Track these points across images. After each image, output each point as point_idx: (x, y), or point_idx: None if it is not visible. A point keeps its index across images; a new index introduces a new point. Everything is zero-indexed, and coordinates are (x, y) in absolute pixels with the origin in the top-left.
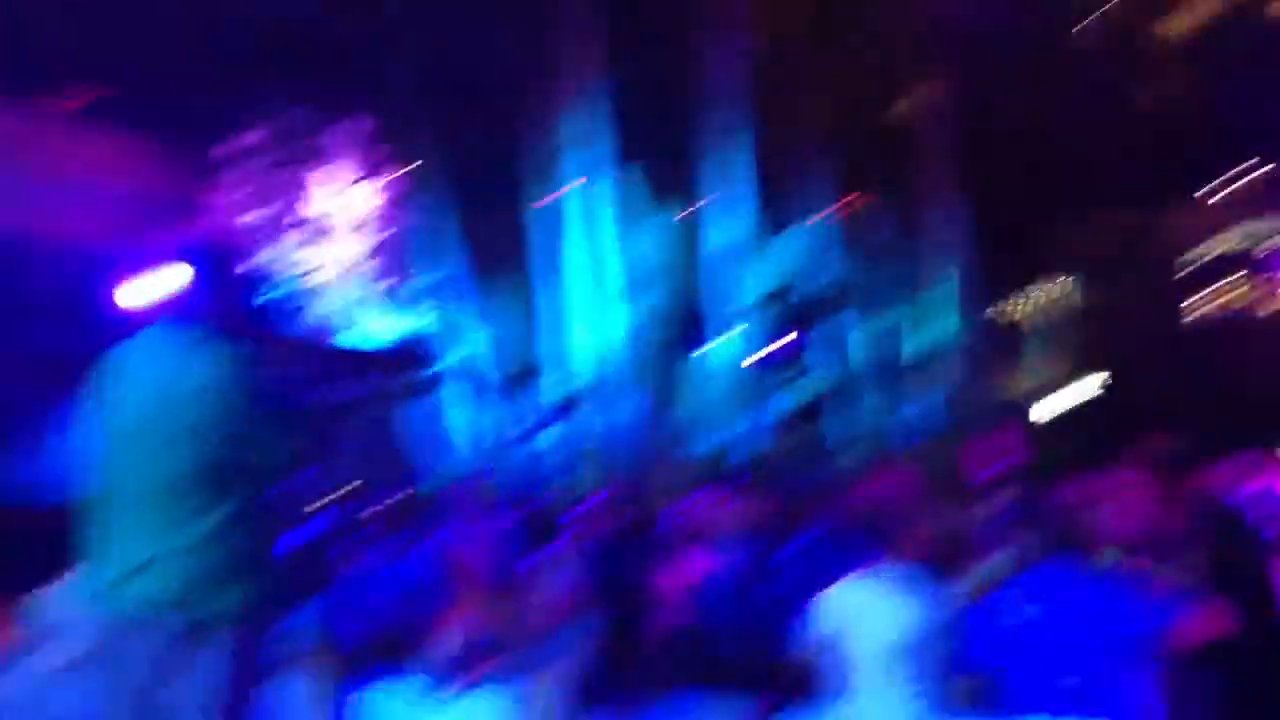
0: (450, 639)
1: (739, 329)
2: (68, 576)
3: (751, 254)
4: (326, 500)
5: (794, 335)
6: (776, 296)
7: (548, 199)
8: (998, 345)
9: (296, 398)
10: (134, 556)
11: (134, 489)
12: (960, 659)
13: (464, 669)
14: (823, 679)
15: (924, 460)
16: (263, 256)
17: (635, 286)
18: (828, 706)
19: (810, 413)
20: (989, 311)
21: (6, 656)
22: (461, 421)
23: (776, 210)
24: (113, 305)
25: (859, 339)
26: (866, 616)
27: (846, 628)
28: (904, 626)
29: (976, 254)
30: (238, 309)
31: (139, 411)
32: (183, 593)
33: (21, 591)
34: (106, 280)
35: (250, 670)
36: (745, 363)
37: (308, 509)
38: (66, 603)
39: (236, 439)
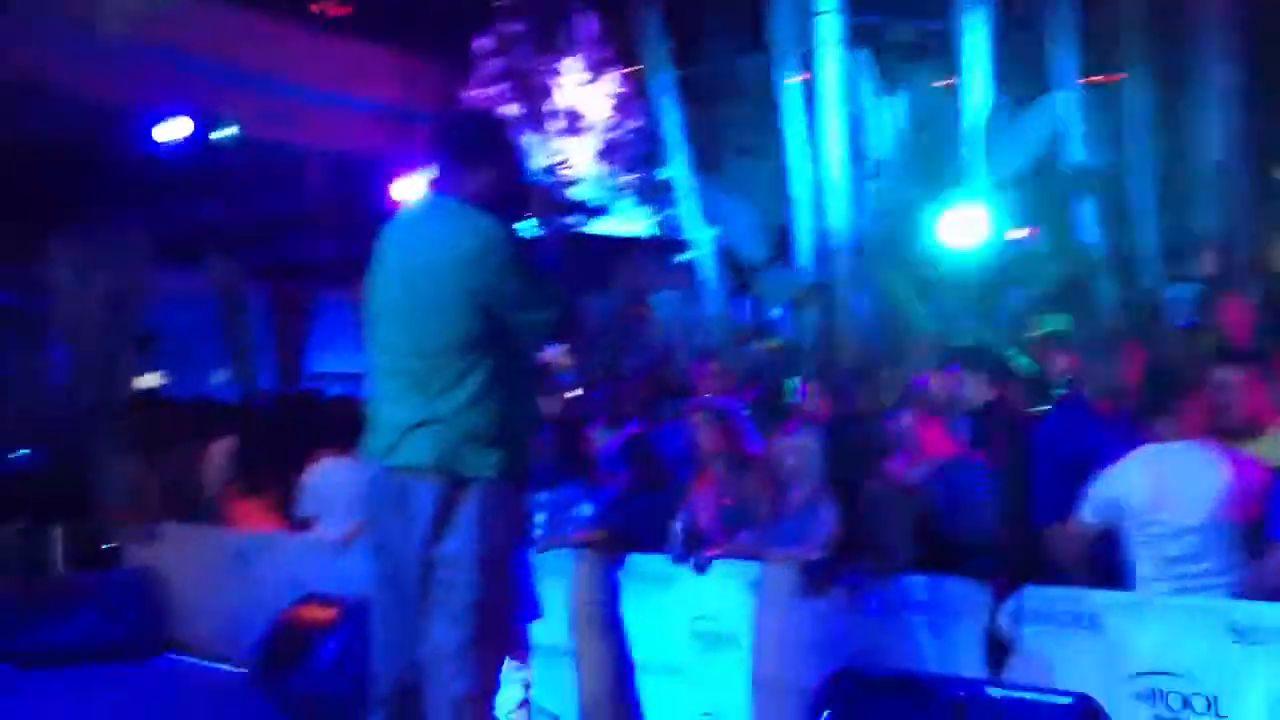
0: (691, 517)
1: (990, 205)
2: (327, 459)
3: (1004, 128)
4: (581, 378)
5: (1048, 212)
6: (1036, 172)
7: (796, 78)
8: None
9: (554, 272)
10: (402, 420)
11: (401, 355)
12: (1261, 538)
13: (703, 547)
14: (1094, 561)
15: (1202, 334)
16: (520, 144)
17: (884, 164)
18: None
19: (1068, 290)
20: (1264, 186)
21: (283, 533)
22: (711, 305)
23: (1031, 83)
24: (383, 206)
25: (1123, 214)
26: (1164, 489)
27: (1135, 505)
28: (1198, 504)
29: (1251, 125)
30: (499, 185)
31: (404, 280)
32: (447, 455)
33: (297, 470)
34: (378, 183)
35: (513, 531)
36: (997, 240)
37: (565, 386)
38: (342, 476)
39: (497, 307)
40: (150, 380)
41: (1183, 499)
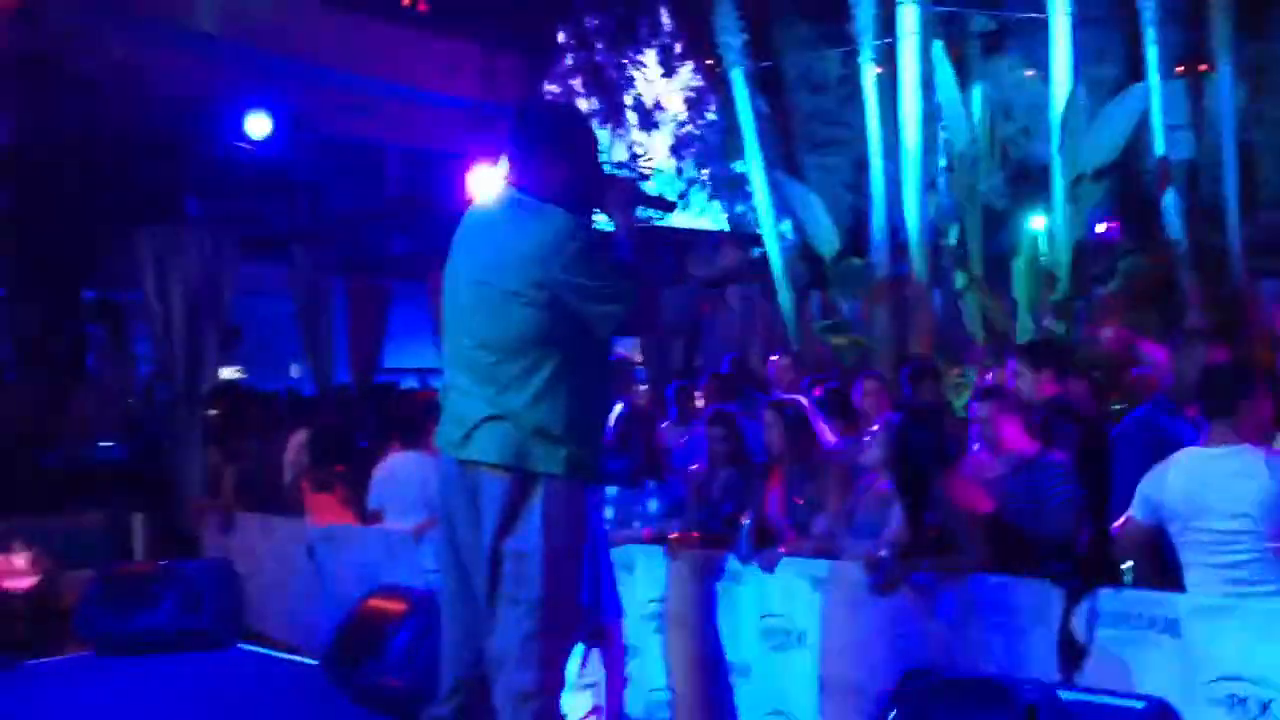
0: (759, 514)
1: (1074, 200)
2: (398, 453)
3: (1089, 119)
4: (655, 373)
5: (1131, 206)
6: (1118, 166)
7: (874, 70)
8: None
9: (627, 265)
10: (472, 414)
11: (472, 348)
12: None
13: (771, 544)
14: (1149, 560)
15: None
16: (597, 138)
17: (963, 157)
18: (1151, 590)
19: (1151, 286)
20: None
21: (360, 524)
22: (784, 299)
23: (1120, 71)
24: (461, 200)
25: (1208, 208)
26: (1203, 494)
27: (1181, 505)
28: (1247, 504)
29: None
30: (575, 178)
31: (476, 274)
32: (516, 451)
33: (370, 463)
34: (456, 177)
35: (581, 527)
36: (1079, 236)
37: (638, 380)
38: (413, 470)
39: (567, 300)
40: (231, 373)
41: (1219, 506)
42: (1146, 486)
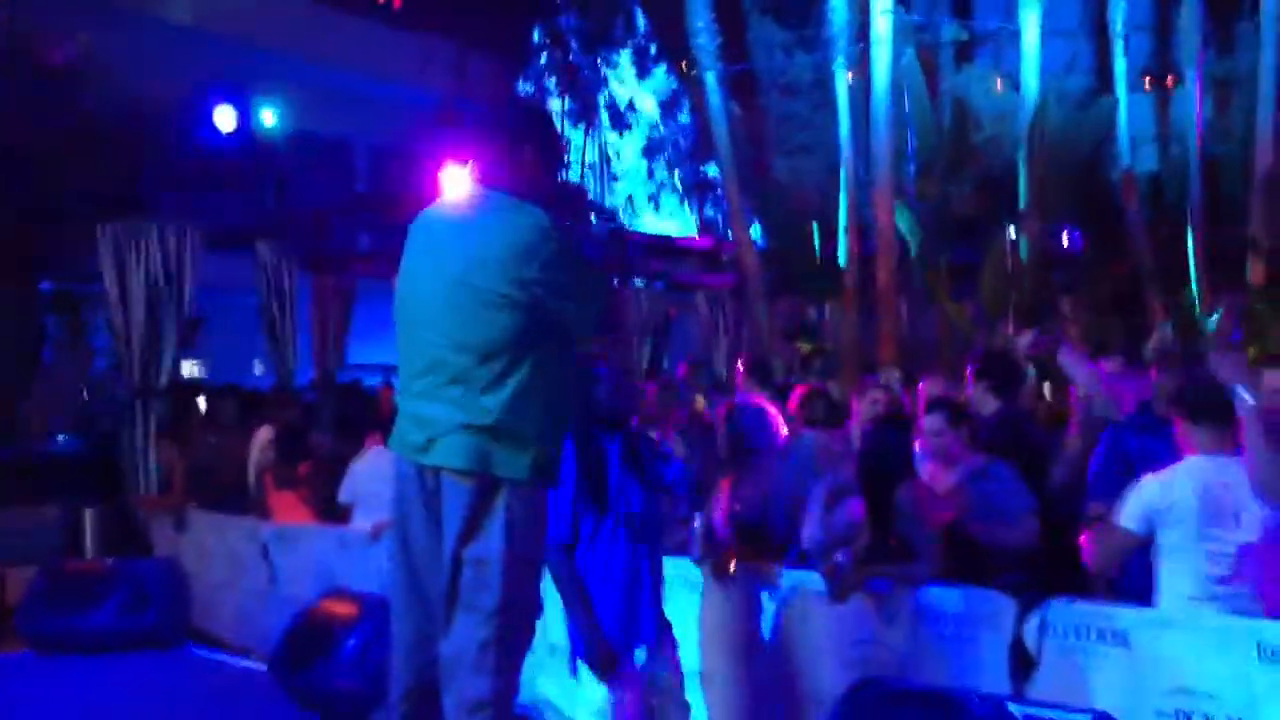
0: (708, 520)
1: (1041, 210)
2: (376, 447)
3: (1057, 129)
4: (622, 377)
5: (1097, 217)
6: (1085, 177)
7: (847, 76)
8: None
9: (597, 268)
10: (439, 418)
11: (441, 349)
12: None
13: (722, 550)
14: (1119, 574)
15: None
16: (564, 139)
17: (935, 164)
18: (1103, 601)
19: (1114, 296)
20: None
21: (312, 525)
22: (751, 304)
23: (1089, 83)
24: (429, 197)
25: (1172, 220)
26: (1204, 508)
27: (1179, 519)
28: (1246, 521)
29: None
30: (541, 178)
31: (449, 274)
32: (483, 457)
33: (334, 463)
34: (425, 173)
35: (544, 533)
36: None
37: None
38: (375, 471)
39: (546, 299)
40: (190, 367)
41: (1231, 516)
42: (1146, 496)
